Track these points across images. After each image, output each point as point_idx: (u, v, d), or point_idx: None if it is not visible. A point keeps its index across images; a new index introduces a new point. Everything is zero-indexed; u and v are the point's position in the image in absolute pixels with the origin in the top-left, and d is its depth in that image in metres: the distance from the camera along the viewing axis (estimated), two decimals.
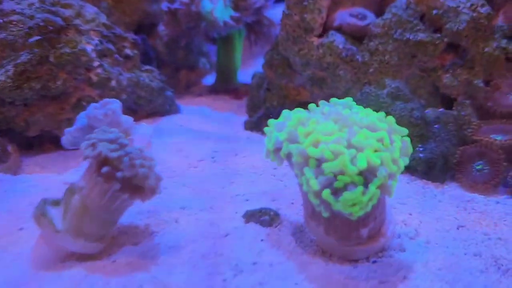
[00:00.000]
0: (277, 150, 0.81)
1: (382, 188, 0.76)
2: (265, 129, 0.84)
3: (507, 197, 1.03)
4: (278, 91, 1.38)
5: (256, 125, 1.42)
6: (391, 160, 0.75)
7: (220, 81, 1.78)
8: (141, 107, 1.44)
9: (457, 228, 0.93)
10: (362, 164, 0.71)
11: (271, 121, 0.84)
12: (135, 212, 0.97)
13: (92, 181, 0.86)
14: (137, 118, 1.44)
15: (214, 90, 1.79)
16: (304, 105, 1.31)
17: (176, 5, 1.56)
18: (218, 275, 0.80)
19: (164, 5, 1.63)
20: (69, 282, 0.81)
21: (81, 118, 1.16)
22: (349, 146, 0.74)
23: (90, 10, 1.45)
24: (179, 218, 0.98)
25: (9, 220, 1.03)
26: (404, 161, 0.78)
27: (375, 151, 0.74)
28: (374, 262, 0.85)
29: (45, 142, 1.41)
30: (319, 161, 0.75)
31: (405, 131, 0.80)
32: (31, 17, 1.34)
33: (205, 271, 0.81)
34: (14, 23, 1.32)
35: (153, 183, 0.88)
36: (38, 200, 1.00)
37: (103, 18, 1.45)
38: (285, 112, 0.86)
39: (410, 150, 0.80)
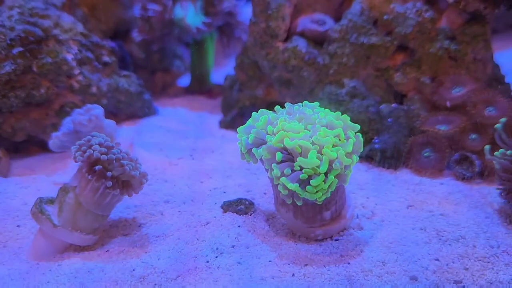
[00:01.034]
0: (250, 151, 0.94)
1: (339, 177, 0.89)
2: (238, 135, 0.96)
3: (450, 179, 1.18)
4: (249, 92, 1.51)
5: (230, 124, 1.55)
6: (345, 154, 0.89)
7: (194, 83, 1.89)
8: (121, 111, 1.54)
9: (407, 208, 1.07)
10: (324, 167, 0.85)
11: (239, 128, 0.96)
12: (123, 207, 1.09)
13: (84, 180, 0.97)
14: (118, 121, 1.54)
15: (189, 91, 1.90)
16: (273, 104, 1.45)
17: (150, 13, 1.66)
18: (202, 257, 0.93)
19: (137, 13, 1.73)
20: (68, 270, 0.92)
21: (67, 123, 1.26)
22: (313, 142, 0.88)
23: (67, 20, 1.54)
24: (163, 211, 1.10)
25: (6, 218, 1.13)
26: (357, 154, 0.92)
27: (333, 146, 0.88)
28: (337, 240, 0.98)
29: (31, 145, 1.50)
30: (286, 155, 0.89)
31: (357, 127, 0.94)
32: (12, 29, 1.42)
33: (190, 255, 0.94)
34: None
35: (139, 179, 1.00)
36: (31, 200, 1.11)
37: (80, 27, 1.54)
38: (253, 114, 0.99)
39: (361, 143, 0.94)
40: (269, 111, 0.99)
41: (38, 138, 1.45)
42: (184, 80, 2.06)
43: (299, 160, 0.86)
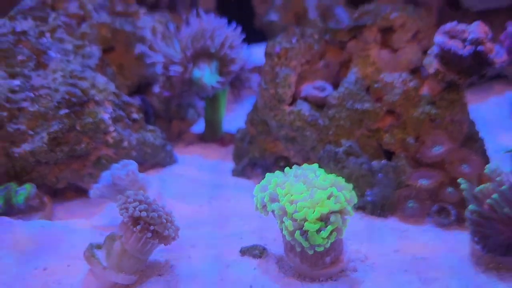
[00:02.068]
0: (264, 206, 1.16)
1: (336, 230, 1.11)
2: (254, 192, 1.18)
3: (431, 226, 1.39)
4: (258, 145, 1.73)
5: (242, 172, 1.76)
6: (340, 211, 1.10)
7: (208, 132, 2.10)
8: (147, 161, 1.76)
9: (394, 252, 1.28)
10: (316, 215, 1.07)
11: (256, 187, 1.18)
12: (157, 251, 1.30)
13: (129, 232, 1.18)
14: (144, 169, 1.76)
15: (203, 139, 2.12)
16: (280, 157, 1.67)
17: (171, 73, 1.90)
18: None
19: (160, 71, 1.96)
20: None
21: (107, 176, 1.47)
22: (312, 202, 1.09)
23: (101, 80, 1.77)
24: (190, 255, 1.31)
25: (58, 259, 1.33)
26: (352, 209, 1.14)
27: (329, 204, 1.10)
28: (335, 280, 1.19)
29: (68, 191, 1.72)
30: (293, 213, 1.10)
31: (350, 186, 1.15)
32: (56, 90, 1.64)
33: None
34: (43, 96, 1.63)
35: (173, 232, 1.21)
36: (76, 242, 1.33)
37: (112, 87, 1.77)
38: (267, 175, 1.21)
39: (355, 200, 1.15)
40: (279, 172, 1.21)
41: (75, 185, 1.67)
42: (198, 127, 2.27)
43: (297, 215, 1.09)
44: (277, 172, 1.21)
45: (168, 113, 2.13)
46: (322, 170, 1.20)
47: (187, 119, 2.22)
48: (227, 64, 1.92)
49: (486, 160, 1.63)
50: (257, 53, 3.18)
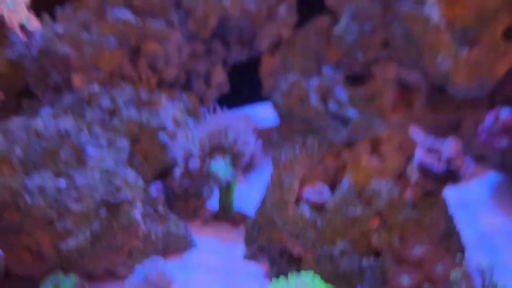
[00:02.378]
0: None
1: None
2: None
3: None
4: (266, 233, 2.02)
5: (253, 257, 2.04)
6: None
7: (221, 213, 2.38)
8: (169, 248, 2.06)
9: None
10: None
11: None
12: None
13: None
14: (166, 254, 2.06)
15: (216, 218, 2.41)
16: (284, 250, 1.95)
17: (190, 166, 2.20)
18: None
19: (181, 164, 2.27)
20: None
21: (140, 272, 1.77)
22: None
23: (131, 176, 2.06)
24: None
25: None
26: None
27: None
28: None
29: (103, 274, 2.00)
30: None
31: None
32: (95, 189, 1.95)
33: None
34: (85, 196, 1.93)
35: None
36: None
37: (140, 182, 2.06)
38: (274, 281, 1.50)
39: None
40: (283, 280, 1.49)
41: (110, 270, 1.96)
42: (211, 202, 2.56)
43: None
44: (281, 281, 1.50)
45: (185, 195, 2.43)
46: (319, 279, 1.48)
47: (202, 196, 2.52)
48: (239, 157, 2.23)
49: (462, 252, 1.91)
50: (262, 112, 3.52)
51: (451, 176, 1.75)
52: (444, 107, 2.75)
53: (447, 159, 1.74)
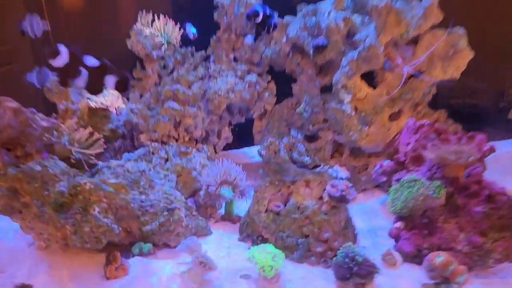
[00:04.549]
0: (250, 259, 2.82)
1: (276, 270, 2.77)
2: (246, 253, 2.85)
3: (320, 267, 2.78)
4: (250, 227, 3.38)
5: (243, 240, 3.19)
6: (278, 263, 2.78)
7: (226, 216, 3.35)
8: (198, 233, 3.29)
9: (301, 278, 2.78)
10: (268, 264, 2.74)
11: (248, 252, 2.83)
12: (208, 274, 2.94)
13: (197, 266, 2.84)
14: (197, 237, 3.39)
15: (223, 219, 3.52)
16: (259, 236, 3.34)
17: (209, 190, 3.56)
18: None
19: (204, 187, 3.65)
20: None
21: (185, 242, 3.10)
22: (267, 259, 2.76)
23: (177, 194, 3.30)
24: (220, 276, 2.77)
25: (165, 276, 2.46)
26: (283, 261, 2.80)
27: (273, 260, 2.77)
28: None
29: (162, 245, 3.28)
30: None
31: (283, 255, 2.82)
32: (160, 201, 3.30)
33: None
34: (155, 205, 3.30)
35: (215, 267, 2.87)
36: (173, 269, 2.99)
37: (183, 198, 3.35)
38: (252, 248, 2.87)
39: (283, 258, 2.83)
40: (257, 246, 2.86)
41: (166, 243, 3.32)
42: (221, 211, 3.89)
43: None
44: (254, 246, 2.87)
45: (205, 206, 3.81)
46: (272, 246, 2.86)
47: (215, 207, 3.86)
48: (237, 187, 3.62)
49: (354, 237, 3.28)
50: (255, 151, 4.65)
51: (343, 198, 3.16)
52: (359, 157, 4.15)
53: (341, 190, 3.15)
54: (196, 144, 3.64)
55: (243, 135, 4.57)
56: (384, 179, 3.43)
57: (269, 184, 3.15)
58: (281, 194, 2.99)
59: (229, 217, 3.59)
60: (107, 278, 2.40)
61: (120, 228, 2.53)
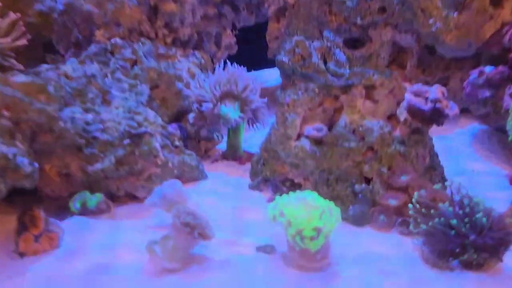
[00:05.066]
0: (274, 218, 1.57)
1: (326, 237, 1.51)
2: (268, 209, 1.59)
3: (395, 234, 1.75)
4: (269, 166, 2.13)
5: (257, 187, 2.12)
6: (329, 224, 1.51)
7: (229, 152, 2.46)
8: (184, 176, 2.16)
9: (365, 252, 1.64)
10: (311, 226, 1.47)
11: (270, 206, 1.59)
12: (199, 246, 1.70)
13: (180, 232, 1.59)
14: (183, 182, 2.15)
15: (225, 157, 2.51)
16: (286, 179, 2.07)
17: (203, 108, 2.31)
18: (243, 279, 1.54)
19: (195, 106, 2.38)
20: (169, 282, 1.53)
21: (158, 191, 1.88)
22: (309, 218, 1.50)
23: (151, 114, 2.17)
24: (220, 250, 1.71)
25: (125, 249, 1.72)
26: (337, 223, 1.54)
27: (321, 219, 1.51)
28: (324, 271, 1.57)
29: (125, 197, 2.12)
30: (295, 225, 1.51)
31: (338, 209, 1.56)
32: (119, 123, 2.06)
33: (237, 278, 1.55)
34: (110, 128, 2.04)
35: (212, 233, 1.62)
36: (137, 236, 1.73)
37: (159, 120, 2.17)
38: (277, 198, 1.61)
39: (340, 217, 1.56)
40: (286, 195, 1.62)
41: (130, 193, 2.08)
42: (221, 145, 2.66)
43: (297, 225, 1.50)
44: (284, 196, 1.62)
45: (197, 135, 2.54)
46: (318, 196, 1.60)
47: (213, 139, 2.62)
48: (247, 103, 2.33)
49: (444, 182, 2.03)
50: (269, 75, 3.60)
51: (437, 115, 1.86)
52: (434, 67, 2.85)
53: (433, 99, 1.85)
54: (184, 51, 2.82)
55: (252, 53, 3.52)
56: (487, 94, 2.33)
57: (304, 92, 1.86)
58: (323, 110, 2.07)
59: (233, 154, 2.42)
60: (20, 254, 1.63)
61: (36, 165, 1.68)
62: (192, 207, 1.83)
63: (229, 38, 3.36)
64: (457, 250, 1.55)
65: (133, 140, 1.98)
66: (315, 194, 1.60)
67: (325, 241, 1.52)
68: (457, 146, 2.53)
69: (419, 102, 1.85)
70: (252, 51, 3.70)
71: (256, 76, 3.64)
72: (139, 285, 1.52)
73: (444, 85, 2.76)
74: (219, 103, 2.28)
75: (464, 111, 2.79)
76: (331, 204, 1.55)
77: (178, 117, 2.53)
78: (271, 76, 3.69)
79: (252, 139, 2.61)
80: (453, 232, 1.56)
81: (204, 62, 2.86)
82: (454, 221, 1.56)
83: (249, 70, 3.90)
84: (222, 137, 2.65)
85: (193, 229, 1.56)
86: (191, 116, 2.43)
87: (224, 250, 1.69)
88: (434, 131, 2.62)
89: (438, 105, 1.82)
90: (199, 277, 1.55)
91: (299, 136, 2.01)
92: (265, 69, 3.92)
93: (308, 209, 1.53)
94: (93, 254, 1.67)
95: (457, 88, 2.68)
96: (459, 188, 1.64)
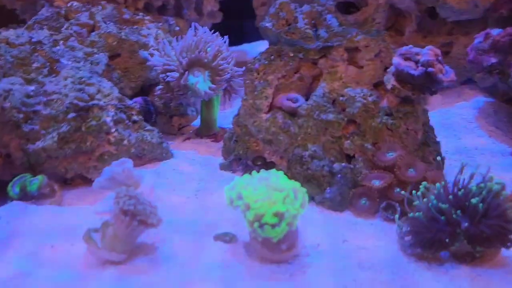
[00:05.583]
0: (231, 202, 1.37)
1: (289, 224, 1.31)
2: (225, 191, 1.38)
3: (379, 221, 1.56)
4: (242, 144, 1.92)
5: (228, 167, 1.93)
6: (293, 209, 1.30)
7: (203, 129, 2.27)
8: (145, 156, 1.94)
9: (343, 242, 1.45)
10: (272, 211, 1.27)
11: (226, 187, 1.38)
12: (145, 234, 1.50)
13: (119, 220, 1.39)
14: (142, 163, 1.95)
15: (198, 135, 2.32)
16: (259, 156, 1.86)
17: (169, 79, 2.10)
18: (195, 271, 1.35)
19: (161, 76, 2.17)
20: (108, 276, 1.33)
21: (107, 171, 1.67)
22: (269, 202, 1.29)
23: (106, 86, 1.96)
24: (173, 238, 1.51)
25: (64, 238, 1.55)
26: (303, 208, 1.34)
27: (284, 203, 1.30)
28: (290, 263, 1.38)
29: (76, 179, 1.92)
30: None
31: (304, 190, 1.35)
32: (66, 95, 1.86)
33: (189, 269, 1.36)
34: (54, 100, 1.84)
35: (156, 221, 1.42)
36: (80, 224, 1.53)
37: (115, 92, 1.96)
38: (236, 178, 1.41)
39: (307, 201, 1.35)
40: (247, 175, 1.42)
41: (82, 175, 1.89)
42: (197, 122, 2.46)
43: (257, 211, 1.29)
44: (245, 176, 1.42)
45: (168, 111, 2.33)
46: (283, 175, 1.40)
47: (187, 115, 2.41)
48: (219, 73, 2.12)
49: (440, 163, 1.82)
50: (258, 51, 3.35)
51: (429, 81, 1.63)
52: (435, 32, 2.60)
53: (424, 62, 1.62)
54: (155, 17, 2.60)
55: (241, 27, 3.54)
56: (493, 60, 2.08)
57: (276, 56, 1.64)
58: (299, 78, 1.87)
59: (207, 130, 2.22)
60: None
61: None
62: (145, 190, 1.64)
63: (211, 5, 3.13)
64: (447, 239, 1.34)
65: (79, 114, 1.78)
66: (280, 174, 1.39)
67: (288, 228, 1.31)
68: (458, 121, 2.29)
69: (408, 66, 1.62)
70: (242, 22, 3.52)
71: (246, 51, 3.44)
72: (73, 279, 1.34)
73: (447, 52, 2.53)
74: (186, 72, 2.06)
75: (468, 82, 2.55)
76: (297, 185, 1.35)
77: (145, 90, 2.32)
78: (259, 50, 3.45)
79: (232, 115, 2.40)
80: (442, 218, 1.35)
81: (179, 29, 2.64)
82: (444, 206, 1.34)
83: (240, 43, 3.67)
84: (198, 113, 2.44)
85: (133, 216, 1.36)
86: (158, 89, 2.22)
87: (177, 239, 1.49)
88: (433, 105, 2.40)
89: (430, 69, 1.59)
90: (144, 271, 1.37)
91: (271, 108, 1.80)
92: (260, 42, 3.68)
93: (269, 191, 1.32)
94: (25, 244, 1.48)
95: (461, 56, 2.43)
96: (462, 167, 1.42)
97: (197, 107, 2.45)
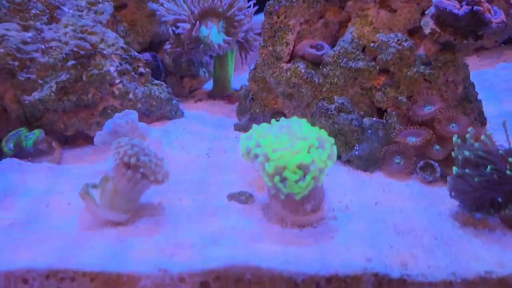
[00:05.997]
0: (248, 153, 1.18)
1: (315, 178, 1.11)
2: (240, 141, 1.19)
3: (415, 182, 1.37)
4: (259, 101, 1.73)
5: (244, 127, 1.75)
6: (320, 160, 1.11)
7: (216, 90, 2.10)
8: (153, 113, 1.78)
9: (375, 204, 1.27)
10: (295, 163, 1.07)
11: (243, 135, 1.19)
12: (151, 194, 1.33)
13: (120, 173, 1.22)
14: (150, 121, 1.78)
15: (211, 96, 2.12)
16: (278, 113, 1.66)
17: (179, 30, 1.90)
18: (207, 234, 1.17)
19: (170, 29, 1.97)
20: (107, 238, 1.16)
21: (109, 124, 1.50)
22: (292, 151, 1.10)
23: (110, 36, 1.78)
24: (182, 198, 1.34)
25: (61, 198, 1.39)
26: (331, 161, 1.14)
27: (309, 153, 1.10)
28: (315, 227, 1.20)
29: (78, 139, 1.76)
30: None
31: (332, 140, 1.15)
32: (66, 43, 1.68)
33: (199, 233, 1.18)
34: (53, 48, 1.66)
35: (162, 176, 1.24)
36: (80, 183, 1.36)
37: (121, 42, 1.78)
38: (254, 126, 1.22)
39: (335, 153, 1.16)
40: (265, 124, 1.22)
41: (84, 133, 1.71)
42: (209, 85, 2.28)
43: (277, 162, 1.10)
44: (263, 124, 1.22)
45: (179, 70, 2.14)
46: (306, 123, 1.20)
47: (199, 77, 2.22)
48: (234, 25, 1.91)
49: (482, 121, 1.60)
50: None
51: (475, 22, 1.41)
52: None
53: (470, 0, 1.40)
54: None
55: None
56: None
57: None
58: (324, 24, 1.65)
59: (221, 91, 2.05)
60: None
61: None
62: (151, 144, 1.45)
63: None
64: (499, 200, 1.13)
65: (80, 62, 1.59)
66: (303, 121, 1.19)
67: (314, 184, 1.11)
68: (498, 83, 2.06)
69: (451, 4, 1.40)
70: None
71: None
72: (69, 241, 1.16)
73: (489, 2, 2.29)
74: (198, 22, 1.85)
75: (508, 41, 2.31)
76: (323, 134, 1.15)
77: (154, 47, 2.13)
78: None
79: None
80: (494, 176, 1.14)
81: None
82: (490, 167, 1.13)
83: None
84: (209, 75, 2.25)
85: (135, 169, 1.17)
86: (168, 43, 2.02)
87: (187, 198, 1.31)
88: (472, 66, 2.17)
89: (476, 8, 1.37)
90: (148, 233, 1.18)
91: (292, 57, 1.59)
92: None
93: (292, 140, 1.12)
94: (19, 204, 1.33)
95: (505, 9, 2.18)
96: (504, 122, 1.21)
97: (209, 68, 2.25)
